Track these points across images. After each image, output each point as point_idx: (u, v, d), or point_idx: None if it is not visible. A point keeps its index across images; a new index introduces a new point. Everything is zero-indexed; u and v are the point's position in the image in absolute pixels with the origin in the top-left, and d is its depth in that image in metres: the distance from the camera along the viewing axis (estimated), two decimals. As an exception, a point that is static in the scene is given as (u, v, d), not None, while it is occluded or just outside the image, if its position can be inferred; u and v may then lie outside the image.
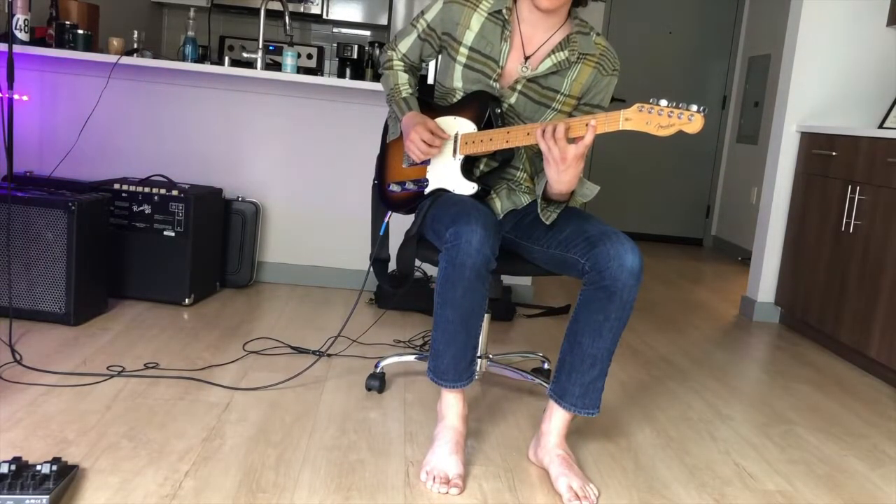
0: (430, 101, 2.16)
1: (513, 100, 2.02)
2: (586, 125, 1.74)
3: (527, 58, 2.01)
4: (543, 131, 1.79)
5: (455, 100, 2.07)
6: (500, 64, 2.01)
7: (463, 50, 2.03)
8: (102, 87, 3.34)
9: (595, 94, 2.04)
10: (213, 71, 3.30)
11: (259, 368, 2.50)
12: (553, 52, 1.99)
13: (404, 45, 2.17)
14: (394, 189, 2.18)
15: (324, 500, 1.72)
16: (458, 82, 2.05)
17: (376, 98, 3.50)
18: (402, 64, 2.19)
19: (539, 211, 1.96)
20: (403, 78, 2.17)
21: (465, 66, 2.03)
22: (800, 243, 3.69)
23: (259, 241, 3.57)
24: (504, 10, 2.00)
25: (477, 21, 2.02)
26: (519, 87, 2.01)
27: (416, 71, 2.23)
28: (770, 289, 3.89)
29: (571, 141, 1.78)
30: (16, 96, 3.10)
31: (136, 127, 3.50)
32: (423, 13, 2.12)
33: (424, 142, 1.97)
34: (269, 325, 2.97)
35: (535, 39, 2.02)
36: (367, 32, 5.85)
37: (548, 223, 1.95)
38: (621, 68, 2.10)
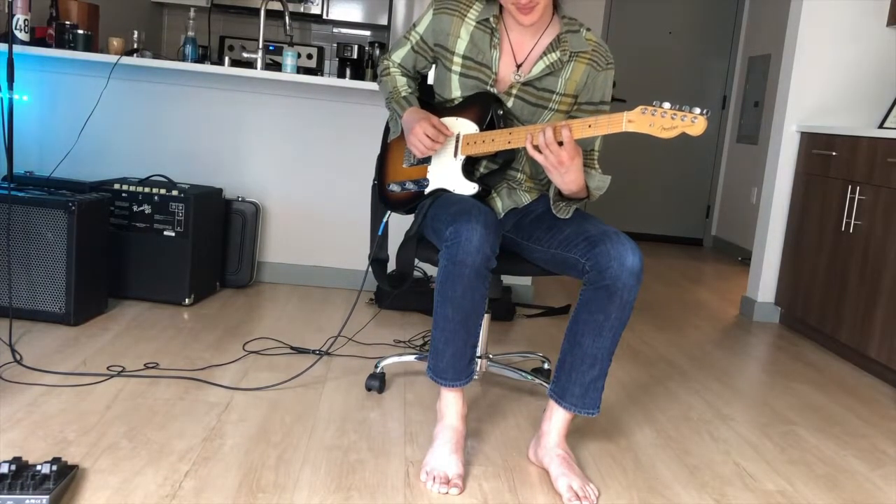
0: (431, 102, 2.16)
1: (510, 104, 2.02)
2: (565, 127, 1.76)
3: (519, 65, 2.02)
4: (534, 146, 1.80)
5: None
6: (494, 70, 2.01)
7: (457, 59, 2.03)
8: (102, 87, 3.33)
9: (594, 91, 2.04)
10: (213, 71, 3.30)
11: (259, 368, 2.50)
12: (545, 53, 2.00)
13: (398, 56, 2.18)
14: (394, 189, 2.18)
15: (324, 500, 1.72)
16: (457, 91, 2.05)
17: (376, 98, 3.50)
18: (399, 70, 2.19)
19: (554, 211, 1.96)
20: (402, 81, 2.17)
21: (461, 74, 2.04)
22: (800, 243, 3.69)
23: (259, 241, 3.57)
24: (491, 18, 2.00)
25: (466, 30, 2.02)
26: (514, 91, 2.01)
27: (413, 77, 2.23)
28: (770, 289, 3.89)
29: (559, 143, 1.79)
30: (16, 96, 3.10)
31: (136, 127, 3.50)
32: (414, 25, 2.12)
33: (428, 136, 1.96)
34: (269, 325, 2.97)
35: (525, 44, 2.02)
36: (367, 32, 5.85)
37: (567, 217, 1.95)
38: (621, 68, 2.10)
